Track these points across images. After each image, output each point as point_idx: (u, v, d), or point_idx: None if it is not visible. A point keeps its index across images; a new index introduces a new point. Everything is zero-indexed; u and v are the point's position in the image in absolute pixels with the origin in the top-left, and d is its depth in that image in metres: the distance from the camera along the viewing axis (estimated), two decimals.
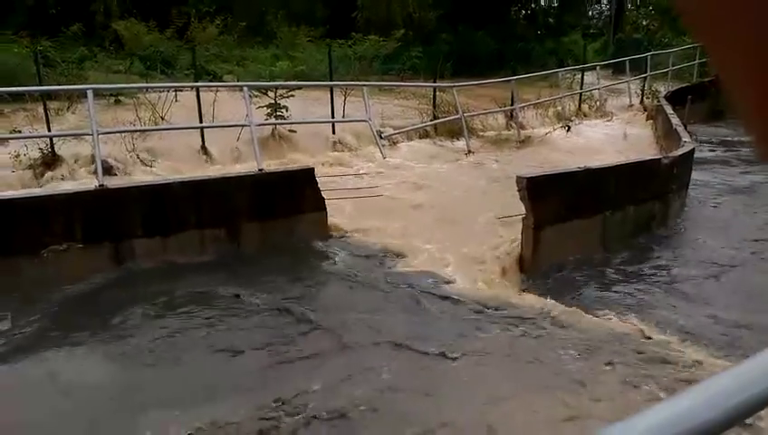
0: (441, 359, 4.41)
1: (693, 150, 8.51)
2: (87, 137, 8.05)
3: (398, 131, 11.78)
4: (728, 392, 0.62)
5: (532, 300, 5.53)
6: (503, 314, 5.17)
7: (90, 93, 6.56)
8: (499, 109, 13.81)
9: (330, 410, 3.75)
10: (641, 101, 17.05)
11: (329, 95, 11.61)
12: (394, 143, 11.62)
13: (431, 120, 12.71)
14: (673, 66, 18.24)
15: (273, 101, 10.66)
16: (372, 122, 10.12)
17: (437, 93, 13.19)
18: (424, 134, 12.51)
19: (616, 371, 4.23)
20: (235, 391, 4.02)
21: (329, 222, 7.05)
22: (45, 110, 9.20)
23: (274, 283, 5.74)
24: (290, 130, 10.80)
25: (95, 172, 6.88)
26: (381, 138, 10.47)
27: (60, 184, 8.20)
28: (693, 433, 0.57)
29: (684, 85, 16.94)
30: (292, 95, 11.10)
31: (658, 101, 14.38)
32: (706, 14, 0.33)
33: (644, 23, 30.58)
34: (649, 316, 5.20)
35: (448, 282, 5.86)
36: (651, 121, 14.20)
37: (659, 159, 7.81)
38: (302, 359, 4.41)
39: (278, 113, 10.64)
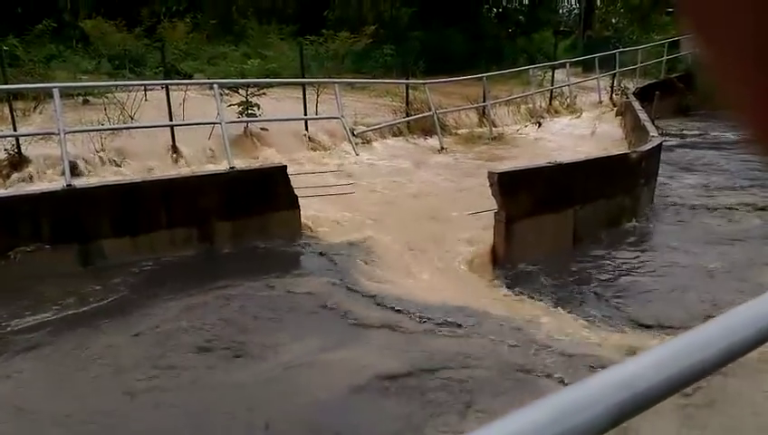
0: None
1: (660, 145, 8.66)
2: (55, 138, 7.92)
3: (370, 129, 11.78)
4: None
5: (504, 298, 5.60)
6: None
7: (56, 92, 6.45)
8: (471, 106, 13.90)
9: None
10: (610, 98, 17.28)
11: (301, 93, 11.55)
12: (367, 141, 11.61)
13: (404, 118, 12.74)
14: (641, 63, 18.53)
15: (244, 99, 10.57)
16: (345, 120, 10.10)
17: (410, 91, 13.22)
18: (397, 132, 12.53)
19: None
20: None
21: (302, 219, 7.03)
22: (11, 110, 8.99)
23: (246, 282, 5.70)
24: (262, 129, 10.72)
25: (63, 173, 6.77)
26: (354, 135, 10.47)
27: (27, 185, 8.04)
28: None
29: (651, 82, 17.23)
30: (264, 93, 11.03)
31: (627, 98, 14.60)
32: (704, 10, 0.33)
33: (613, 21, 30.97)
34: (614, 311, 5.29)
35: (418, 277, 5.89)
36: (620, 117, 14.41)
37: (628, 153, 7.96)
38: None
39: (250, 111, 10.56)
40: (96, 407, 3.81)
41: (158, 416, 3.74)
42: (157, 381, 4.06)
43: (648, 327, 4.96)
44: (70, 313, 5.02)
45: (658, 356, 0.67)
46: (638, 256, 6.68)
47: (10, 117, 8.98)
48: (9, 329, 4.74)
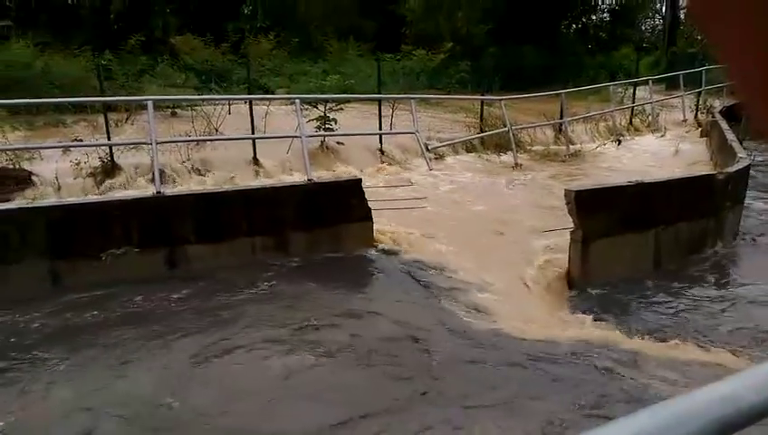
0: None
1: (749, 167, 8.26)
2: (144, 147, 8.39)
3: (444, 144, 11.82)
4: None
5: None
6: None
7: (150, 104, 6.84)
8: (547, 122, 13.70)
9: None
10: (695, 117, 16.66)
11: (376, 108, 11.74)
12: (440, 156, 11.66)
13: (478, 134, 12.70)
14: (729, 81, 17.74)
15: (322, 114, 10.85)
16: (419, 135, 10.18)
17: (485, 107, 13.17)
18: (471, 147, 12.51)
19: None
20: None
21: (375, 231, 7.13)
22: (106, 120, 9.56)
23: (321, 291, 5.82)
24: (338, 143, 10.97)
25: (152, 180, 7.15)
26: (428, 150, 10.53)
27: (118, 191, 8.52)
28: None
29: (740, 100, 16.44)
30: (341, 108, 11.29)
31: (713, 117, 14.01)
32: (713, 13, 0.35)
33: (699, 37, 29.80)
34: (702, 341, 5.06)
35: (488, 294, 5.84)
36: (705, 137, 13.85)
37: (714, 174, 7.64)
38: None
39: (327, 126, 10.82)
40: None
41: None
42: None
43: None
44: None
45: (764, 374, 0.67)
46: (721, 284, 6.37)
47: (105, 127, 9.57)
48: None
